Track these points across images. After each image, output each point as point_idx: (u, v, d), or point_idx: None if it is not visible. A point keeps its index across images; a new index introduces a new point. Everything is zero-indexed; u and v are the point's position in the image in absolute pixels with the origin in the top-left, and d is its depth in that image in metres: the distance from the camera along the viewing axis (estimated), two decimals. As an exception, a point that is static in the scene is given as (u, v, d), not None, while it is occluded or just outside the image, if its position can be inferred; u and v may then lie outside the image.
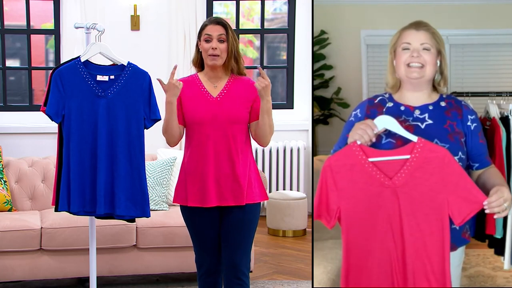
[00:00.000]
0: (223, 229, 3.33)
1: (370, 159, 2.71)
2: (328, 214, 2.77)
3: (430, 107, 2.87)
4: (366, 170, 2.71)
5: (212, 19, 3.30)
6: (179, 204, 3.39)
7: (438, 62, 2.86)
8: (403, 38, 2.85)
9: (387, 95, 2.94)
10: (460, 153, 2.80)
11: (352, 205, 2.73)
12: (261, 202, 3.40)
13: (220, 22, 3.28)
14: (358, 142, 2.73)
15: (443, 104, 2.89)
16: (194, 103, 3.28)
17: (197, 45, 3.34)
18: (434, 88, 2.91)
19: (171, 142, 3.33)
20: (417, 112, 2.86)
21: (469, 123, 2.86)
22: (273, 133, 3.35)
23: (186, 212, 3.36)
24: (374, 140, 2.76)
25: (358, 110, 2.94)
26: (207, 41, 3.26)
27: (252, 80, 3.34)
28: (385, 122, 2.75)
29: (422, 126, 2.82)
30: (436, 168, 2.66)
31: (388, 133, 2.81)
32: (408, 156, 2.68)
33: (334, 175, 2.74)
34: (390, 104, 2.90)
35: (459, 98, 3.02)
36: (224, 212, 3.32)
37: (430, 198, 2.67)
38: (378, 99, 2.94)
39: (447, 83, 2.91)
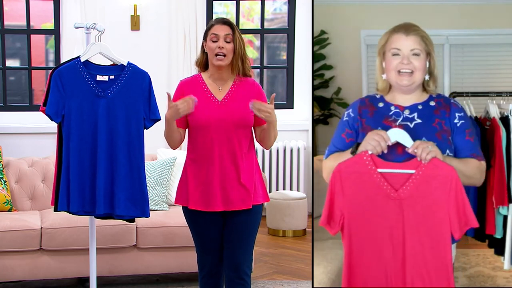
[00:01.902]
0: (227, 230, 3.31)
1: (379, 170, 2.72)
2: (333, 220, 2.79)
3: (420, 107, 2.90)
4: (374, 180, 2.73)
5: (218, 19, 3.27)
6: (181, 205, 3.37)
7: (427, 63, 2.87)
8: (393, 43, 2.86)
9: (378, 95, 2.98)
10: (447, 151, 2.84)
11: (356, 213, 2.76)
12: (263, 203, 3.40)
13: (227, 22, 3.25)
14: (370, 152, 2.74)
15: (432, 103, 2.92)
16: (199, 107, 3.22)
17: (202, 46, 3.30)
18: (424, 88, 2.93)
19: (173, 146, 3.32)
20: (406, 112, 2.89)
21: (456, 120, 2.89)
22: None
23: (189, 213, 3.33)
24: (386, 151, 2.77)
25: (351, 110, 2.99)
26: (213, 41, 3.22)
27: (257, 83, 3.33)
28: (398, 136, 2.78)
29: (411, 125, 2.86)
30: (441, 184, 2.69)
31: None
32: (413, 171, 2.71)
33: (342, 181, 2.76)
34: (381, 104, 2.95)
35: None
36: (229, 214, 3.29)
37: (433, 212, 2.70)
38: (370, 99, 2.98)
39: (436, 83, 2.93)
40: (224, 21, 3.25)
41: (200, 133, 3.24)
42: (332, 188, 2.78)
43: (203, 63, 3.32)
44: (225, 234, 3.32)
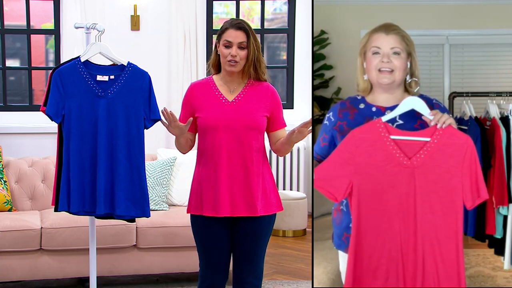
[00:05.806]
0: (236, 240, 3.20)
1: (392, 137, 2.72)
2: (340, 187, 2.74)
3: None
4: (386, 148, 2.72)
5: (234, 23, 3.13)
6: (190, 214, 3.24)
7: (409, 64, 2.87)
8: (373, 41, 2.86)
9: (359, 97, 2.97)
10: None
11: (366, 182, 2.72)
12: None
13: (242, 27, 3.11)
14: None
15: None
16: (208, 107, 3.15)
17: (215, 46, 3.20)
18: (406, 89, 2.92)
19: (183, 151, 3.29)
20: (387, 113, 2.87)
21: None
22: None
23: (199, 222, 3.21)
24: None
25: (331, 113, 2.97)
26: (226, 47, 3.12)
27: (272, 86, 3.23)
28: (414, 103, 2.77)
29: (393, 126, 2.84)
30: (455, 152, 2.68)
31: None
32: (428, 139, 2.70)
33: (354, 148, 2.74)
34: (362, 106, 2.93)
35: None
36: (237, 223, 3.19)
37: (446, 181, 2.68)
38: (350, 101, 2.97)
39: (419, 84, 2.92)
40: (239, 26, 3.11)
41: (209, 134, 3.15)
42: (343, 152, 2.74)
43: (216, 64, 3.22)
44: (234, 243, 3.21)
